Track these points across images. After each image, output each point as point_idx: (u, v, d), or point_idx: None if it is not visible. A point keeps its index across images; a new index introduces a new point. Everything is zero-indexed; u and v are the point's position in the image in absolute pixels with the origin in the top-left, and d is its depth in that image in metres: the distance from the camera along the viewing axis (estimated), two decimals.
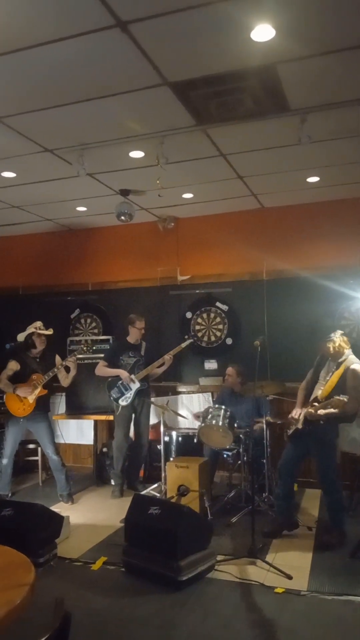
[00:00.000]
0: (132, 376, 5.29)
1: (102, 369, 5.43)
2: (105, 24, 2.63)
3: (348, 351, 4.00)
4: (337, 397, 3.67)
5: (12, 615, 1.57)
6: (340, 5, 2.52)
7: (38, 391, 4.95)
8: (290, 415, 4.13)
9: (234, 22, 2.62)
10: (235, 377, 5.22)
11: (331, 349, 3.97)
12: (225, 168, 4.68)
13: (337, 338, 3.99)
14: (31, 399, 4.94)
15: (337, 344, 3.97)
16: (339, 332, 4.04)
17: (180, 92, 3.33)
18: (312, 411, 3.83)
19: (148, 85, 3.24)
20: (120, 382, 5.33)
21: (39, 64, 2.97)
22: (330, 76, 3.17)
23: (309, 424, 3.94)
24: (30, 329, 5.06)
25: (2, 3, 2.44)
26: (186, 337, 5.81)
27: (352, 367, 3.87)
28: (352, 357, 3.97)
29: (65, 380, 5.10)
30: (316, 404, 3.88)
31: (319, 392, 3.97)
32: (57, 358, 5.17)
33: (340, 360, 3.96)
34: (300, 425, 3.99)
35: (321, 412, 3.79)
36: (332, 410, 3.74)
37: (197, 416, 5.37)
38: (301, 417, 4.00)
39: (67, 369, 5.08)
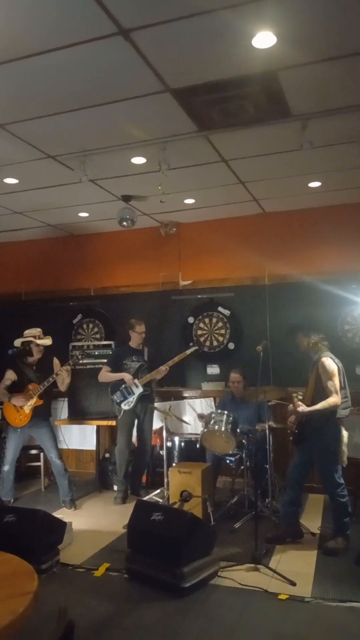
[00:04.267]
0: (136, 380, 5.30)
1: (105, 375, 5.43)
2: (108, 32, 2.65)
3: (325, 353, 4.03)
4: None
5: (16, 624, 1.57)
6: (341, 13, 2.54)
7: (34, 401, 4.93)
8: (288, 420, 4.21)
9: (235, 29, 2.63)
10: (242, 382, 5.22)
11: (305, 343, 4.09)
12: (226, 173, 4.69)
13: (316, 338, 4.07)
14: (27, 409, 4.93)
15: (312, 342, 4.04)
16: (321, 335, 4.12)
17: (182, 99, 3.35)
18: (292, 409, 3.96)
19: (150, 92, 3.26)
20: (123, 385, 5.33)
21: (42, 72, 2.99)
22: (332, 82, 3.18)
23: (301, 426, 4.02)
24: (28, 337, 5.04)
25: (5, 11, 2.46)
26: (191, 344, 5.81)
27: (321, 359, 3.97)
28: (325, 356, 4.01)
29: (61, 386, 5.09)
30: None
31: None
32: (56, 361, 5.14)
33: (315, 359, 4.05)
34: (295, 429, 4.07)
35: (302, 409, 3.87)
36: (315, 407, 3.87)
37: (201, 416, 5.36)
38: (293, 421, 4.09)
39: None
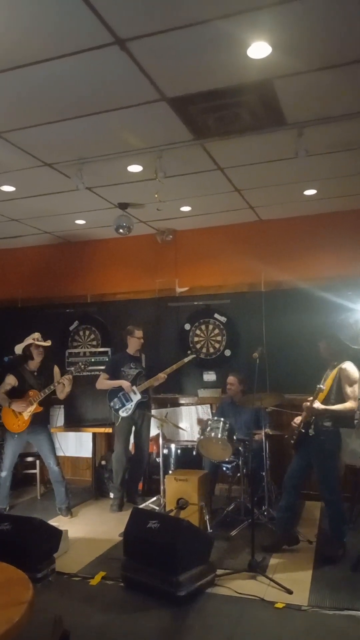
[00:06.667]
0: (134, 387, 5.29)
1: (103, 382, 5.42)
2: (104, 42, 2.67)
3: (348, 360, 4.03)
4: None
5: (11, 634, 1.56)
6: (335, 22, 2.57)
7: (33, 408, 4.92)
8: (293, 421, 4.16)
9: (231, 39, 2.66)
10: (238, 386, 5.23)
11: (328, 346, 4.09)
12: (223, 181, 4.72)
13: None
14: (26, 415, 4.91)
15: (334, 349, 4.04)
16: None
17: (178, 107, 3.37)
18: (308, 404, 3.91)
19: (146, 101, 3.28)
20: (121, 392, 5.32)
21: (38, 80, 3.01)
22: (326, 91, 3.21)
23: (308, 427, 3.97)
24: (29, 340, 5.05)
25: (2, 21, 2.48)
26: (189, 352, 5.81)
27: (343, 366, 3.97)
28: (347, 361, 4.00)
29: (61, 394, 5.09)
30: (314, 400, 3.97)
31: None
32: (56, 369, 5.15)
33: (334, 363, 4.04)
34: (302, 429, 4.02)
35: (317, 405, 3.85)
36: (331, 407, 3.84)
37: (200, 421, 5.36)
38: (300, 420, 4.05)
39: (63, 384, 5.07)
